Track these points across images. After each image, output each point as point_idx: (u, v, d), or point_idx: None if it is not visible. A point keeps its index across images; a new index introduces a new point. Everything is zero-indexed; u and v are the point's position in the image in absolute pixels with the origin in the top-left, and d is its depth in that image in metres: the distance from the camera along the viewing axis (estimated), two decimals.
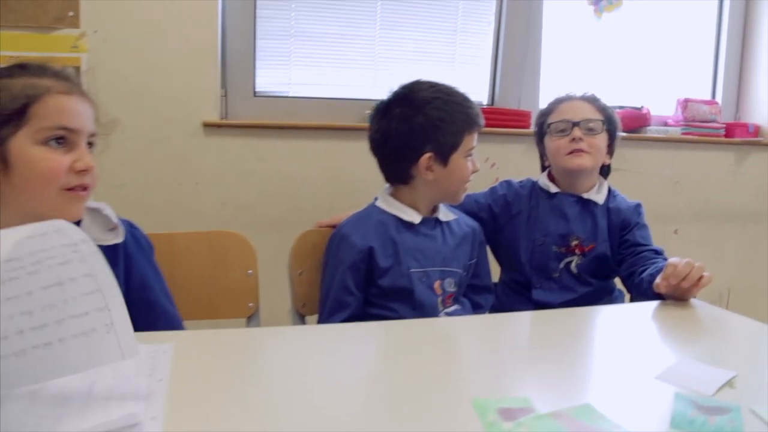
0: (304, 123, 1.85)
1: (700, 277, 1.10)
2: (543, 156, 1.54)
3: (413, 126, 1.19)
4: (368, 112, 1.93)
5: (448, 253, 1.28)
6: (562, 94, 1.50)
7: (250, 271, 1.28)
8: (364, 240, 1.21)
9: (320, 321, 1.24)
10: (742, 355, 0.89)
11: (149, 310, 1.13)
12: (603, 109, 1.46)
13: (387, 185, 1.31)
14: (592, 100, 1.46)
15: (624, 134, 2.10)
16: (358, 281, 1.22)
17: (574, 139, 1.40)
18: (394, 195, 1.28)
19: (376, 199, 1.31)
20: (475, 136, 1.26)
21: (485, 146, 1.99)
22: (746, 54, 2.33)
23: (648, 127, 2.17)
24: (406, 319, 1.19)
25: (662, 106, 2.30)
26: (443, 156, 1.21)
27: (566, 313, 1.09)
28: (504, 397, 0.66)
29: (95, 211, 1.10)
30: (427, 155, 1.20)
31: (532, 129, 1.55)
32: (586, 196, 1.44)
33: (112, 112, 1.68)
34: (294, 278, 1.29)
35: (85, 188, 1.01)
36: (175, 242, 1.26)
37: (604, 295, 1.48)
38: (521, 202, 1.49)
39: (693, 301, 1.16)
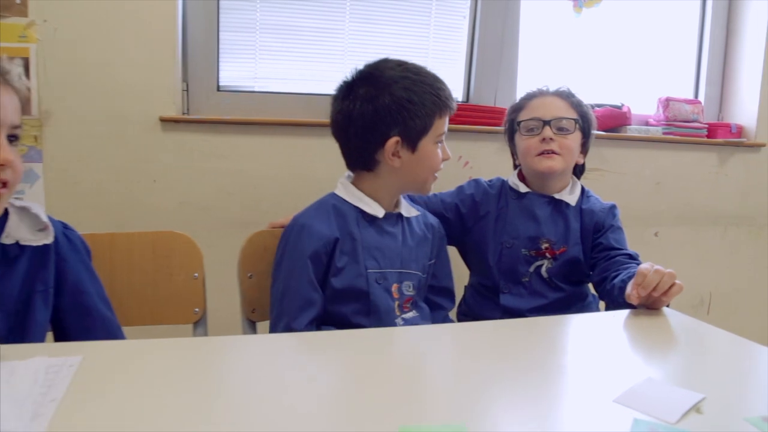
0: (267, 119, 1.76)
1: (672, 285, 1.03)
2: (514, 154, 1.47)
3: (378, 107, 1.09)
4: None
5: (407, 253, 1.20)
6: (534, 88, 1.42)
7: (195, 274, 1.20)
8: (330, 229, 1.11)
9: (278, 324, 1.09)
10: (714, 373, 0.81)
11: (85, 316, 1.05)
12: (577, 106, 1.38)
13: (348, 173, 1.21)
14: (566, 96, 1.39)
15: (603, 133, 2.04)
16: (319, 276, 1.11)
17: (544, 139, 1.33)
18: (357, 184, 1.18)
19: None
20: (447, 120, 1.16)
21: (459, 144, 1.92)
22: (729, 53, 2.27)
23: (628, 127, 2.10)
24: (358, 324, 1.11)
25: (644, 105, 2.23)
26: (411, 141, 1.11)
27: (528, 323, 1.02)
28: (435, 425, 0.58)
29: (23, 210, 1.02)
30: (393, 139, 1.10)
31: (503, 126, 1.47)
32: (557, 196, 1.37)
33: (64, 106, 1.61)
34: (243, 282, 1.21)
35: (4, 184, 0.92)
36: (117, 243, 1.18)
37: (576, 301, 1.40)
38: (490, 202, 1.41)
39: (667, 310, 1.09)
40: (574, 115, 1.36)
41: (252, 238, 1.23)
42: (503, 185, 1.43)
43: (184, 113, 1.78)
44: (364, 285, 1.12)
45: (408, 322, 1.18)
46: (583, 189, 1.42)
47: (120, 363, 0.76)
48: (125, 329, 1.16)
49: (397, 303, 1.17)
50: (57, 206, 1.61)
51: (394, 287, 1.17)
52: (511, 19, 2.02)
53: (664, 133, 2.12)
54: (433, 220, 1.30)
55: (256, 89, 1.88)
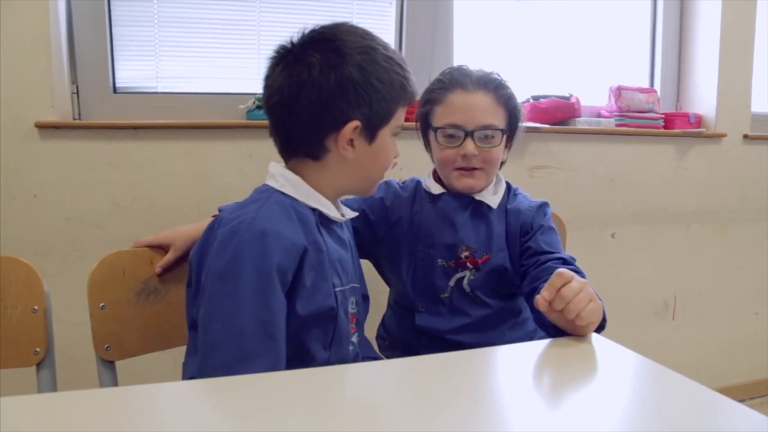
0: (161, 122, 1.56)
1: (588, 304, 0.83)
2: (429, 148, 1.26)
3: (342, 80, 0.86)
4: (242, 106, 1.68)
5: (352, 263, 1.01)
6: (454, 67, 1.18)
7: (35, 308, 1.00)
8: (297, 237, 0.85)
9: (225, 369, 0.77)
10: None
11: None
12: (506, 101, 1.15)
13: (276, 164, 0.94)
14: (494, 88, 1.14)
15: (549, 127, 1.87)
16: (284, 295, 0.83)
17: (465, 155, 1.12)
18: (303, 176, 0.92)
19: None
20: (406, 110, 0.97)
21: None
22: (685, 36, 2.11)
23: (578, 119, 1.93)
24: (313, 355, 0.89)
25: (595, 96, 2.06)
26: (371, 129, 0.91)
27: (401, 367, 0.79)
28: None
29: None
30: (353, 124, 0.88)
31: (414, 117, 1.27)
32: (477, 197, 1.18)
33: None
34: (94, 314, 1.00)
35: None
36: None
37: (507, 318, 1.21)
38: (402, 206, 1.22)
39: (597, 338, 0.89)
40: (502, 119, 1.14)
41: (106, 261, 1.03)
42: (417, 186, 1.24)
43: (75, 118, 1.58)
44: (333, 306, 0.90)
45: (356, 348, 0.99)
46: (509, 187, 1.23)
47: None
48: None
49: (351, 325, 0.98)
50: None
51: (349, 308, 0.97)
52: (443, 5, 1.84)
53: (617, 125, 1.96)
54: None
55: (159, 90, 1.68)
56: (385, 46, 0.92)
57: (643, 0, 2.11)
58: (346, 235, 1.01)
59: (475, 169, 1.13)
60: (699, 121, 2.05)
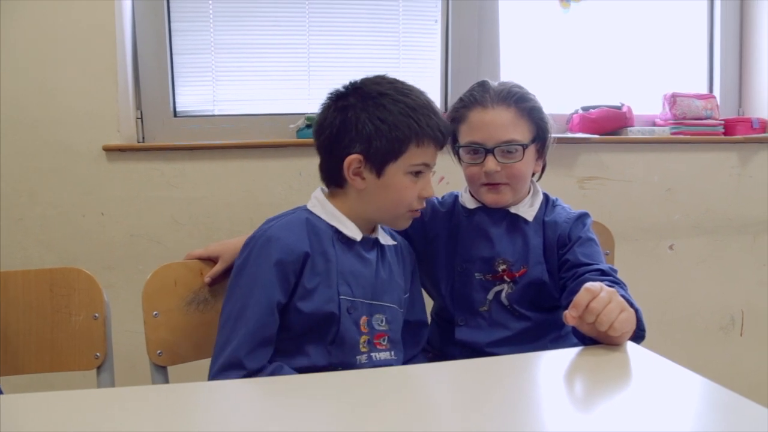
0: (217, 143, 1.65)
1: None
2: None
3: (347, 119, 1.01)
4: (292, 126, 1.75)
5: (380, 283, 1.06)
6: (475, 84, 1.18)
7: (96, 315, 1.08)
8: (300, 243, 0.99)
9: (224, 350, 0.93)
10: None
11: None
12: (530, 113, 1.14)
13: (321, 187, 1.10)
14: (515, 101, 1.13)
15: (599, 137, 1.84)
16: (284, 297, 0.96)
17: (487, 172, 1.13)
18: (331, 201, 1.06)
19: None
20: (430, 152, 1.03)
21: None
22: (746, 37, 2.01)
23: (630, 128, 1.88)
24: (306, 353, 0.98)
25: (651, 105, 2.01)
26: (376, 163, 1.00)
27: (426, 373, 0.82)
28: None
29: None
30: (353, 157, 1.00)
31: None
32: (513, 210, 1.18)
33: (6, 141, 1.56)
34: (148, 321, 1.07)
35: None
36: (10, 282, 1.08)
37: (549, 331, 1.19)
38: (439, 222, 1.23)
39: (631, 346, 0.88)
40: (526, 132, 1.14)
41: (159, 272, 1.10)
42: (455, 202, 1.25)
43: (139, 141, 1.70)
44: (334, 312, 0.99)
45: (375, 363, 1.03)
46: (547, 198, 1.22)
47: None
48: (19, 378, 1.05)
49: (364, 338, 1.02)
50: (3, 244, 1.55)
51: (363, 320, 1.03)
52: (488, 20, 1.85)
53: (673, 133, 1.89)
54: (404, 244, 1.15)
55: (216, 113, 1.78)
56: (403, 92, 1.02)
57: (698, 3, 2.04)
58: (377, 255, 1.07)
59: (499, 184, 1.14)
60: (764, 125, 1.95)
